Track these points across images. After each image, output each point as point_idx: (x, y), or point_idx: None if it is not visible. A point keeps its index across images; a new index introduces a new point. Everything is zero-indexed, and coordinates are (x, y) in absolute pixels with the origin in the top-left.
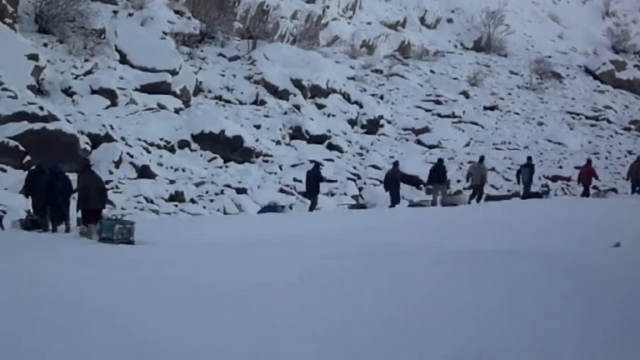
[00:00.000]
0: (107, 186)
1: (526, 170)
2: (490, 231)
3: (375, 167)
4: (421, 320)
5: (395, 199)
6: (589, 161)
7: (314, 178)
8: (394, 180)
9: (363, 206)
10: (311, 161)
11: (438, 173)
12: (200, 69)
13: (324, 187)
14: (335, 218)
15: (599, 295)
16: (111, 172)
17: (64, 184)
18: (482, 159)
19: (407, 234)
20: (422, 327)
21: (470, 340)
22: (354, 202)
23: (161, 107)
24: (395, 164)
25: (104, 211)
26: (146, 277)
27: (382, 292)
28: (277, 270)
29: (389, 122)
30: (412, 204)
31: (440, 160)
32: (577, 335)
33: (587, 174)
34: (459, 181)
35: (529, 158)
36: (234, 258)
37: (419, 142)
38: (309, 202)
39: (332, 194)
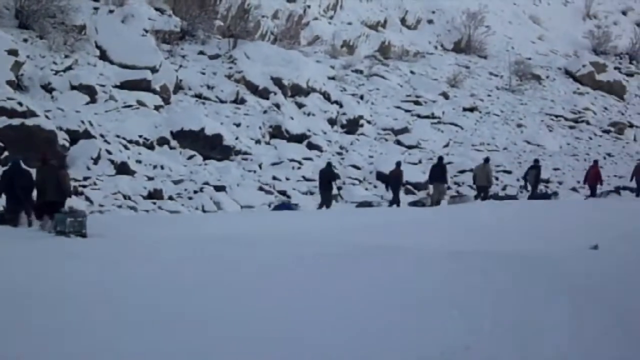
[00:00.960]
0: (85, 182)
1: (533, 172)
2: (497, 233)
3: (354, 166)
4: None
5: (395, 199)
6: (595, 162)
7: (327, 177)
8: (396, 180)
9: (370, 204)
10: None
11: (438, 172)
12: (180, 66)
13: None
14: (337, 217)
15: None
16: (89, 169)
17: (23, 179)
18: (487, 159)
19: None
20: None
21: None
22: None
23: (141, 104)
24: (398, 164)
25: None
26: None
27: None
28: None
29: (368, 122)
30: (413, 203)
31: (441, 159)
32: (551, 332)
33: (594, 175)
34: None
35: (536, 160)
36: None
37: (398, 142)
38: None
39: (312, 193)
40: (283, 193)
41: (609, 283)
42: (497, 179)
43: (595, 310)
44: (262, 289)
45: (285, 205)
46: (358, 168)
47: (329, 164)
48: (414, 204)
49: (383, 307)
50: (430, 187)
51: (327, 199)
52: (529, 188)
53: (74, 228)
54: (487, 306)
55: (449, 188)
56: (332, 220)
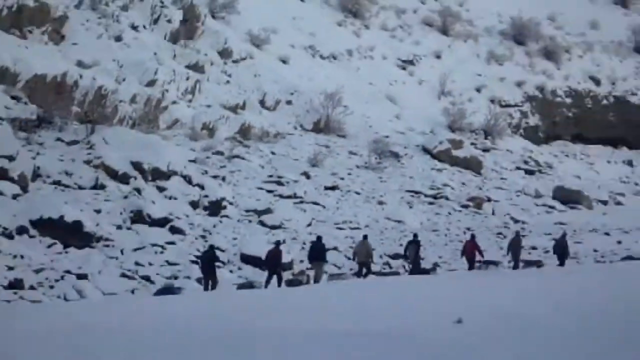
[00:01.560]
0: None
1: (413, 246)
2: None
3: (218, 249)
4: None
5: (278, 278)
6: (472, 236)
7: (209, 260)
8: (275, 260)
9: (252, 285)
10: (209, 246)
11: (317, 251)
12: (38, 154)
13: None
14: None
15: None
16: None
17: None
18: (365, 236)
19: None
20: None
21: None
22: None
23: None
24: (277, 243)
25: None
26: None
27: None
28: None
29: (231, 204)
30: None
31: (319, 238)
32: None
33: (471, 248)
34: (301, 261)
35: (415, 235)
36: None
37: (261, 222)
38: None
39: (176, 277)
40: (147, 278)
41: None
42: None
43: None
44: None
45: (168, 290)
46: (222, 250)
47: (211, 247)
48: (290, 283)
49: None
50: (309, 265)
51: (212, 280)
52: (409, 264)
53: None
54: None
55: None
56: (211, 304)
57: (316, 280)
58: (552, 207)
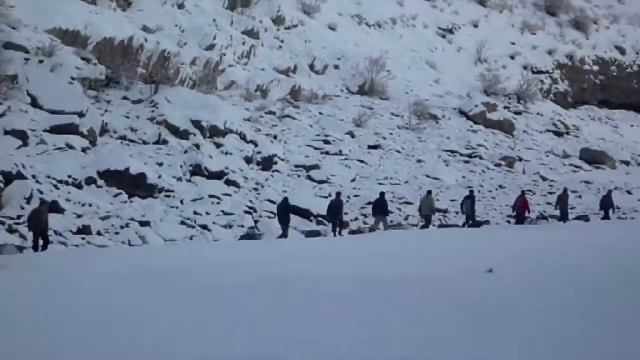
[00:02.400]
0: (19, 220)
1: (468, 201)
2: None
3: (270, 201)
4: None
5: (334, 228)
6: (523, 192)
7: (284, 211)
8: (337, 209)
9: (318, 233)
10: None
11: (381, 206)
12: (106, 111)
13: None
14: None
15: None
16: (23, 208)
17: None
18: (429, 192)
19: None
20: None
21: None
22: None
23: (69, 147)
24: (338, 194)
25: None
26: None
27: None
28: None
29: (282, 160)
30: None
31: (382, 194)
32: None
33: (522, 203)
34: (346, 214)
35: (471, 190)
36: None
37: (309, 178)
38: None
39: (230, 227)
40: (204, 227)
41: (503, 302)
42: (400, 210)
43: (492, 325)
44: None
45: (251, 236)
46: (273, 202)
47: (285, 200)
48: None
49: (301, 328)
50: (374, 219)
51: (285, 230)
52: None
53: None
54: (396, 326)
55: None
56: (286, 250)
57: (385, 229)
58: (579, 167)
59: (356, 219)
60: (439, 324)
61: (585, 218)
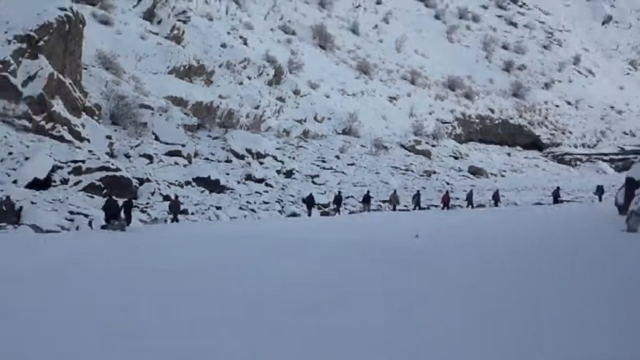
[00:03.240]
0: (147, 207)
1: (417, 196)
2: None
3: (290, 195)
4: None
5: (337, 210)
6: (447, 191)
7: (310, 200)
8: (338, 200)
9: (295, 214)
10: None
11: (366, 197)
12: (197, 143)
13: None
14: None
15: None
16: (149, 199)
17: (114, 205)
18: (395, 190)
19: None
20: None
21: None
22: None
23: (176, 163)
24: (339, 192)
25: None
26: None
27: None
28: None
29: (297, 172)
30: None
31: (368, 192)
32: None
33: (446, 198)
34: (331, 202)
35: (418, 190)
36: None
37: (313, 182)
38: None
39: (267, 210)
40: (252, 210)
41: (423, 253)
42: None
43: (414, 264)
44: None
45: (294, 214)
46: (292, 196)
47: (310, 194)
48: (322, 214)
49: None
50: (362, 205)
51: (310, 211)
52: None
53: (117, 226)
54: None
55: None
56: (287, 224)
57: (369, 211)
58: (467, 176)
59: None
60: (381, 264)
61: (481, 205)
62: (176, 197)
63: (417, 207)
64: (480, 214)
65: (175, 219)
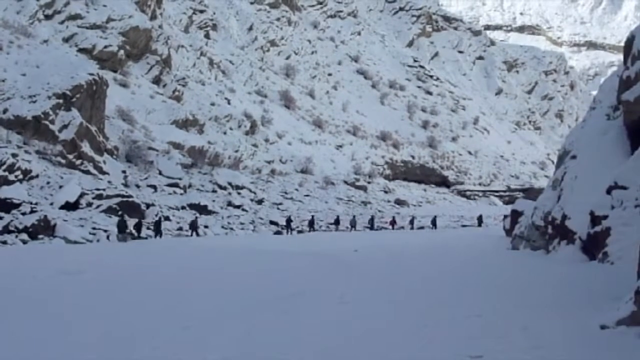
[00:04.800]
0: (151, 224)
1: (371, 219)
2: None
3: (261, 218)
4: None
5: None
6: (393, 217)
7: (288, 221)
8: (311, 223)
9: (280, 232)
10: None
11: (312, 221)
12: (190, 177)
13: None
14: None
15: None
16: (153, 219)
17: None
18: (354, 216)
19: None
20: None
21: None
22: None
23: (175, 192)
24: (312, 217)
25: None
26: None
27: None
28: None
29: (266, 200)
30: None
31: (337, 217)
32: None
33: (392, 221)
34: (291, 221)
35: (372, 215)
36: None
37: (278, 208)
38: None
39: (243, 229)
40: (231, 229)
41: (361, 263)
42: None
43: (353, 271)
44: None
45: (279, 232)
46: (262, 218)
47: (312, 216)
48: (299, 232)
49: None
50: (334, 226)
51: (311, 229)
52: (352, 227)
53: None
54: (307, 269)
55: None
56: (267, 240)
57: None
58: (394, 206)
59: (297, 226)
60: (329, 269)
61: (422, 227)
62: (196, 217)
63: (353, 228)
64: (409, 234)
65: (196, 233)
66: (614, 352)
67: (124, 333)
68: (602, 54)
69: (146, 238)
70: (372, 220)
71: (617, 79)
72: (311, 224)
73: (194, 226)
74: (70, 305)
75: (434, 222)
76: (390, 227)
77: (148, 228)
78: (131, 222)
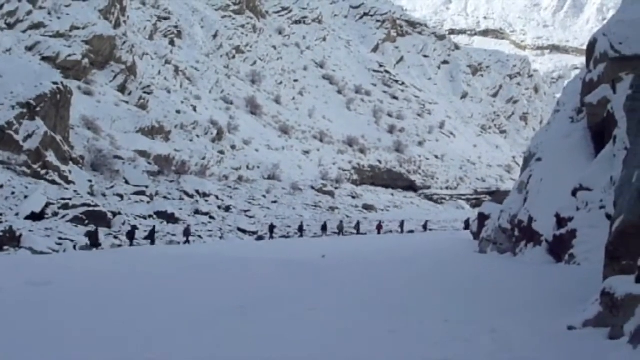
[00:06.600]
0: (118, 233)
1: (340, 224)
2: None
3: (229, 225)
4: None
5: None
6: (380, 222)
7: (271, 228)
8: (300, 227)
9: (262, 238)
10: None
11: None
12: (157, 185)
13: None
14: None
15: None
16: (119, 228)
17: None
18: (341, 221)
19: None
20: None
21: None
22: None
23: (142, 200)
24: (301, 223)
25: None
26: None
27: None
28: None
29: (234, 207)
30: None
31: (327, 225)
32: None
33: (379, 226)
34: (261, 230)
35: (358, 221)
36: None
37: (247, 215)
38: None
39: (210, 236)
40: (200, 237)
41: (329, 268)
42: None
43: (322, 275)
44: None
45: (261, 237)
46: (230, 226)
47: (301, 223)
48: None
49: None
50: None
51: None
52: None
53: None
54: (281, 274)
55: None
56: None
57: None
58: (362, 211)
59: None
60: (297, 276)
61: (390, 232)
62: (188, 226)
63: (358, 232)
64: (377, 239)
65: (187, 241)
66: (581, 353)
67: (88, 342)
68: (565, 57)
69: (121, 246)
70: (340, 225)
71: (580, 81)
72: (271, 229)
73: (187, 234)
74: (37, 316)
75: (401, 227)
76: (377, 231)
77: (115, 237)
78: (102, 232)
